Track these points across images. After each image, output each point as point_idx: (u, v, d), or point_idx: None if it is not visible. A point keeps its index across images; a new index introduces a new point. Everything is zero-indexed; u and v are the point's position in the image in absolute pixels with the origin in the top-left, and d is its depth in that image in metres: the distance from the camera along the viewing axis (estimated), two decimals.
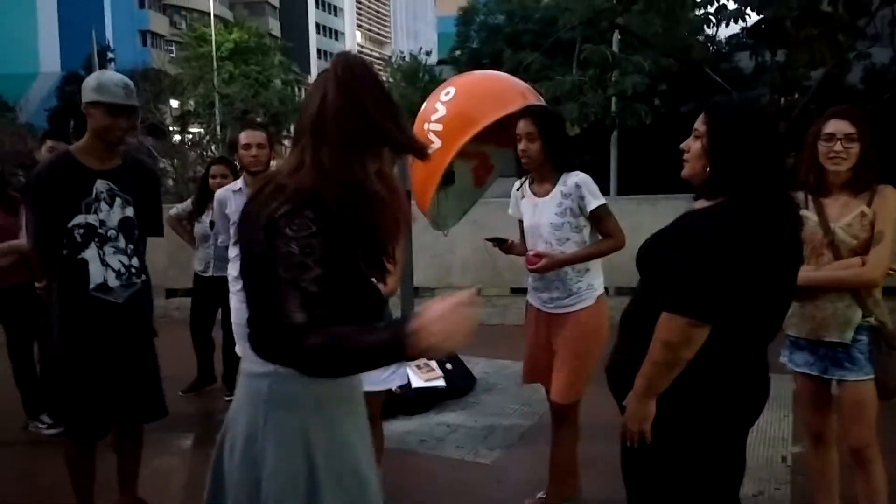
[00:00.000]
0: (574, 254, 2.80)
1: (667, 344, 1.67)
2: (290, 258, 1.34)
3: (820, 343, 2.42)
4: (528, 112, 2.90)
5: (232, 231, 3.40)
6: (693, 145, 1.79)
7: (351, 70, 1.42)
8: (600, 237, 2.84)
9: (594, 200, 2.77)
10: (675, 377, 1.70)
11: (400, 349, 1.27)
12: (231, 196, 3.59)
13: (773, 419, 3.93)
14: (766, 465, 3.37)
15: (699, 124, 1.78)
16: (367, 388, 2.73)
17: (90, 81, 2.69)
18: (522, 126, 2.83)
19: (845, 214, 2.38)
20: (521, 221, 3.00)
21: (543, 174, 2.87)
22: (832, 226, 2.38)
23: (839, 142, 2.36)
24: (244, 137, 3.69)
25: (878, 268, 2.33)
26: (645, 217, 7.25)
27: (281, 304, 1.33)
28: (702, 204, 1.77)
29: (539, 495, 2.97)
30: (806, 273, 2.38)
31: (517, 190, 2.99)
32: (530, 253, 2.84)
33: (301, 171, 1.41)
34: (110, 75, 2.80)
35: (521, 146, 2.83)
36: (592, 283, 2.85)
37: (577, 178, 2.80)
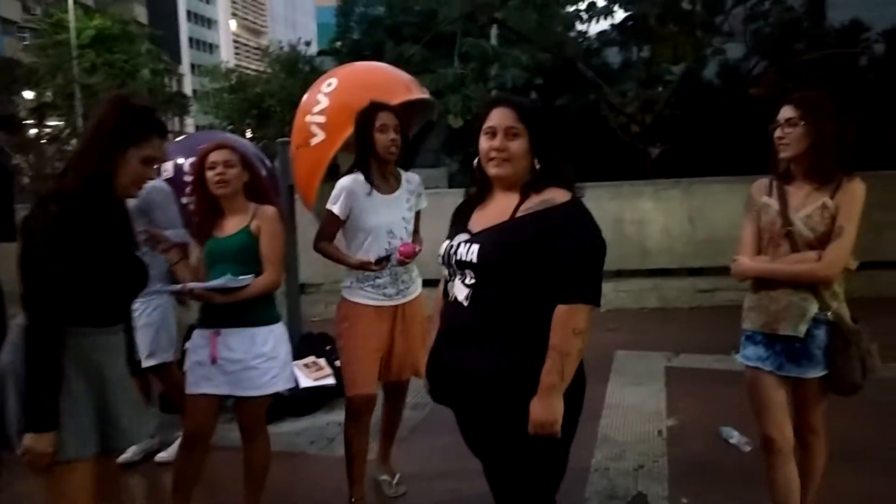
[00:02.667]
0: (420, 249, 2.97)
1: (579, 333, 1.74)
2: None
3: (775, 337, 2.31)
4: (386, 106, 2.92)
5: None
6: (513, 144, 1.83)
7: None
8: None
9: (424, 202, 3.05)
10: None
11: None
12: None
13: (648, 394, 4.18)
14: (643, 439, 3.57)
15: (513, 122, 1.83)
16: (246, 393, 2.66)
17: None
18: (389, 118, 2.86)
19: (807, 205, 2.28)
20: (335, 219, 2.87)
21: (391, 170, 2.94)
22: (792, 216, 2.28)
23: (780, 127, 2.30)
24: None
25: (833, 265, 2.22)
26: None
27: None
28: (541, 199, 1.82)
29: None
30: (761, 264, 2.34)
31: (357, 186, 2.86)
32: (402, 246, 2.86)
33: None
34: None
35: (390, 137, 2.84)
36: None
37: (416, 176, 3.01)
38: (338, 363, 4.36)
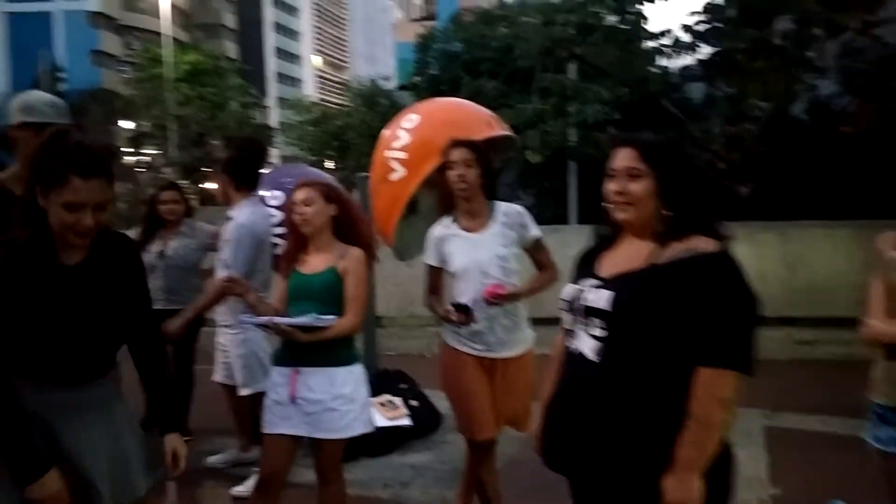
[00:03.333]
0: (527, 287, 2.76)
1: (724, 403, 1.54)
2: None
3: None
4: (460, 142, 2.83)
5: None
6: (634, 187, 1.65)
7: None
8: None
9: (535, 229, 2.81)
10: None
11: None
12: None
13: (746, 457, 3.81)
14: None
15: (636, 163, 1.65)
16: (324, 435, 2.57)
17: (15, 103, 2.56)
18: (459, 154, 2.76)
19: None
20: (434, 269, 2.84)
21: (476, 206, 2.79)
22: None
23: None
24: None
25: None
26: None
27: None
28: (683, 247, 1.60)
29: None
30: (893, 328, 2.11)
31: (445, 230, 2.82)
32: (489, 288, 2.68)
33: None
34: (37, 94, 2.68)
35: (457, 172, 2.74)
36: (523, 320, 2.82)
37: (516, 207, 2.83)
38: (413, 402, 4.26)
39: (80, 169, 1.65)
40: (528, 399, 2.72)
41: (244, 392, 3.51)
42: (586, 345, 1.66)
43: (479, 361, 2.75)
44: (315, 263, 2.65)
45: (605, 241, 1.78)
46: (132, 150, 22.84)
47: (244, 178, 3.49)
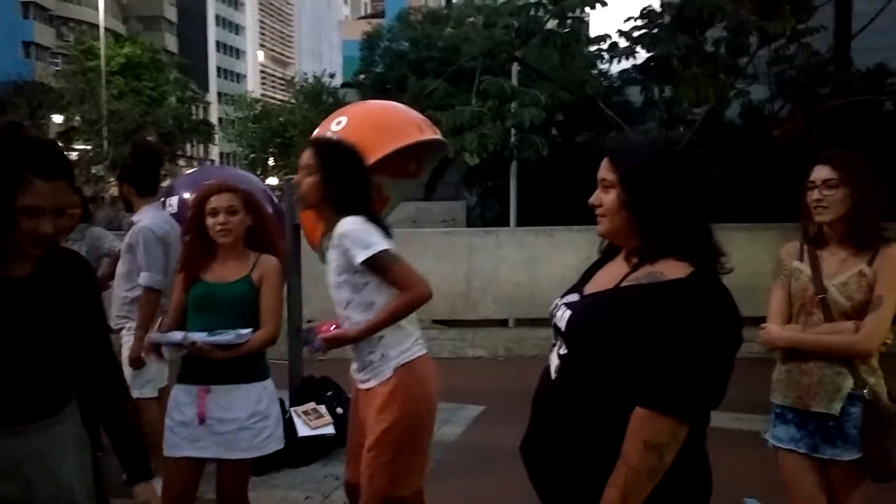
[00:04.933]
0: (367, 326, 2.32)
1: (652, 447, 1.39)
2: None
3: (807, 414, 2.14)
4: (312, 142, 2.56)
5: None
6: (605, 198, 1.52)
7: None
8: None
9: (361, 252, 2.27)
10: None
11: None
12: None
13: None
14: None
15: (606, 173, 1.51)
16: (239, 455, 2.47)
17: None
18: (303, 157, 2.45)
19: (842, 272, 2.13)
20: None
21: (325, 218, 2.45)
22: (826, 283, 2.14)
23: (817, 189, 2.13)
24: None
25: (872, 338, 2.08)
26: (543, 248, 7.38)
27: None
28: (649, 271, 1.46)
29: None
30: (793, 333, 2.18)
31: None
32: (319, 327, 2.43)
33: None
34: None
35: (295, 178, 2.50)
36: (387, 352, 2.34)
37: (343, 226, 2.31)
38: (339, 410, 4.21)
39: (41, 169, 1.46)
40: (368, 447, 2.34)
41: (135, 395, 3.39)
42: (553, 363, 1.58)
43: (355, 389, 2.49)
44: (225, 273, 2.51)
45: (609, 253, 1.65)
46: (63, 144, 21.96)
47: (144, 183, 3.50)
